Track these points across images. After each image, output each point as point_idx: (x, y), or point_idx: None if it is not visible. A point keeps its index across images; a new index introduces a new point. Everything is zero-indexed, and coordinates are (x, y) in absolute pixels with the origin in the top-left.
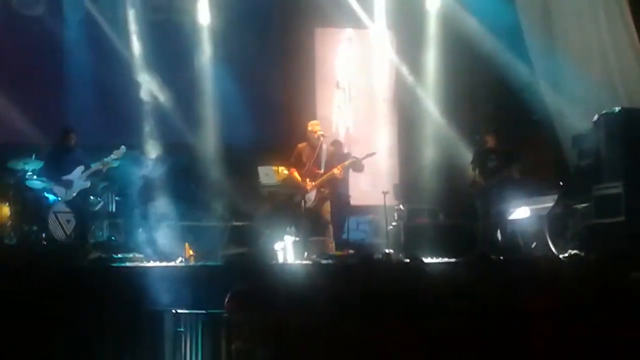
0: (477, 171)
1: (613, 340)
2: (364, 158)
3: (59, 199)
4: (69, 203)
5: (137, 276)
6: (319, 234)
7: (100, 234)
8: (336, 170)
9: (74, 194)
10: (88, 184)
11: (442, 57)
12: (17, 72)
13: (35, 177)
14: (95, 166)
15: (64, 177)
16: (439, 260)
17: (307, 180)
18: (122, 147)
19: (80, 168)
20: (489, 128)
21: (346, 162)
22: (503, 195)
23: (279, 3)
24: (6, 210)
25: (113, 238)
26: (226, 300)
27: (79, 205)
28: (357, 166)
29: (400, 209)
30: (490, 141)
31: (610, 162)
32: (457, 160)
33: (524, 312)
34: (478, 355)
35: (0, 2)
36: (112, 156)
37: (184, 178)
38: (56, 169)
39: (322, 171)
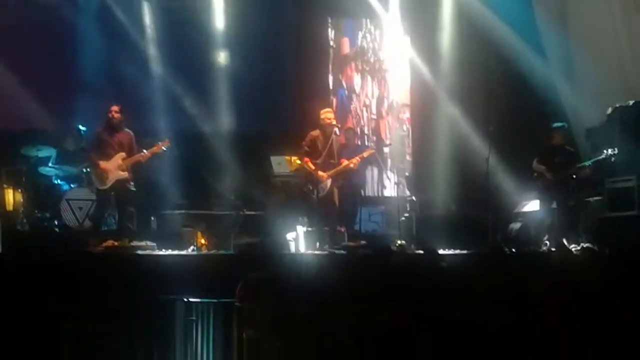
0: (544, 165)
1: (626, 333)
2: (378, 149)
3: (73, 187)
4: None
5: (148, 264)
6: (331, 224)
7: (113, 221)
8: (354, 161)
9: (110, 184)
10: (126, 174)
11: (456, 49)
12: (31, 59)
13: (50, 164)
14: (135, 156)
15: (102, 165)
16: (452, 252)
17: (321, 170)
18: (167, 140)
19: (120, 155)
20: (557, 124)
21: (364, 154)
22: (568, 192)
23: None
24: (19, 196)
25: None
26: (238, 289)
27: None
28: (372, 158)
29: (413, 200)
30: (557, 137)
31: (624, 155)
32: (470, 151)
33: (536, 305)
34: (491, 345)
35: None
36: (155, 148)
37: (196, 166)
38: (98, 153)
39: (335, 161)
